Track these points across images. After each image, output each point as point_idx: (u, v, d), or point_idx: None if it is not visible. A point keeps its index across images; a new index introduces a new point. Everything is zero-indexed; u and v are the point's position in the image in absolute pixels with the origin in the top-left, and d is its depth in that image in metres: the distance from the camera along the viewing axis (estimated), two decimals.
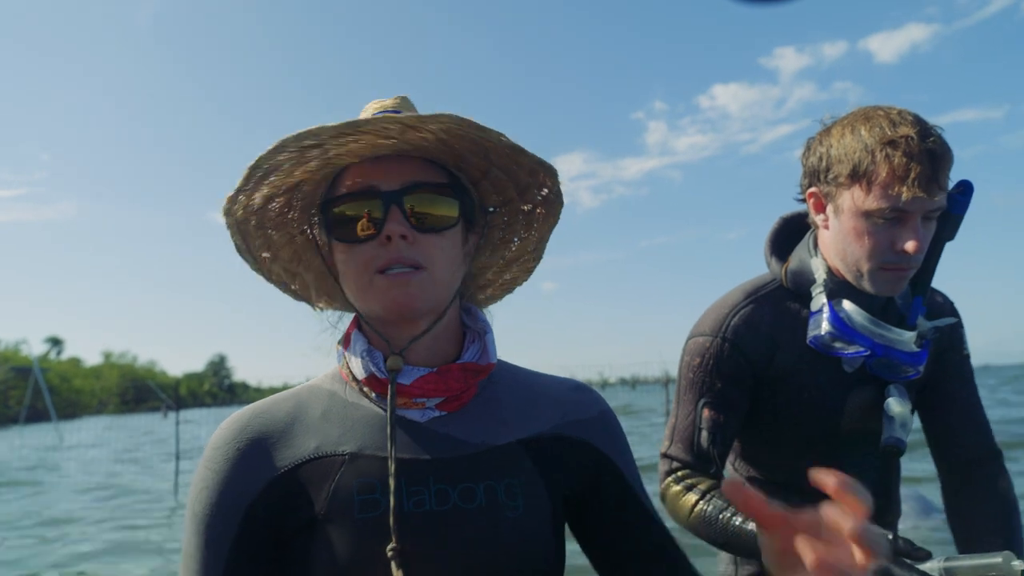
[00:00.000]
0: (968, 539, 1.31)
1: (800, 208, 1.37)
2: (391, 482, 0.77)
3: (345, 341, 0.90)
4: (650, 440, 13.00)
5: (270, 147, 0.78)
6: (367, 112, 0.92)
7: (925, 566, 1.02)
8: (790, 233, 1.41)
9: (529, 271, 1.01)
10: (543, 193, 0.90)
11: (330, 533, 0.77)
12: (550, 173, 0.87)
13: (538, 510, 0.83)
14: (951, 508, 1.40)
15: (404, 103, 0.93)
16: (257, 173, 0.82)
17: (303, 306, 0.99)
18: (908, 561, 1.03)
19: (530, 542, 0.81)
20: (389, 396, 0.81)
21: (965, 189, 1.25)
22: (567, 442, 0.90)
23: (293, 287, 0.98)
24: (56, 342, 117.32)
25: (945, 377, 1.40)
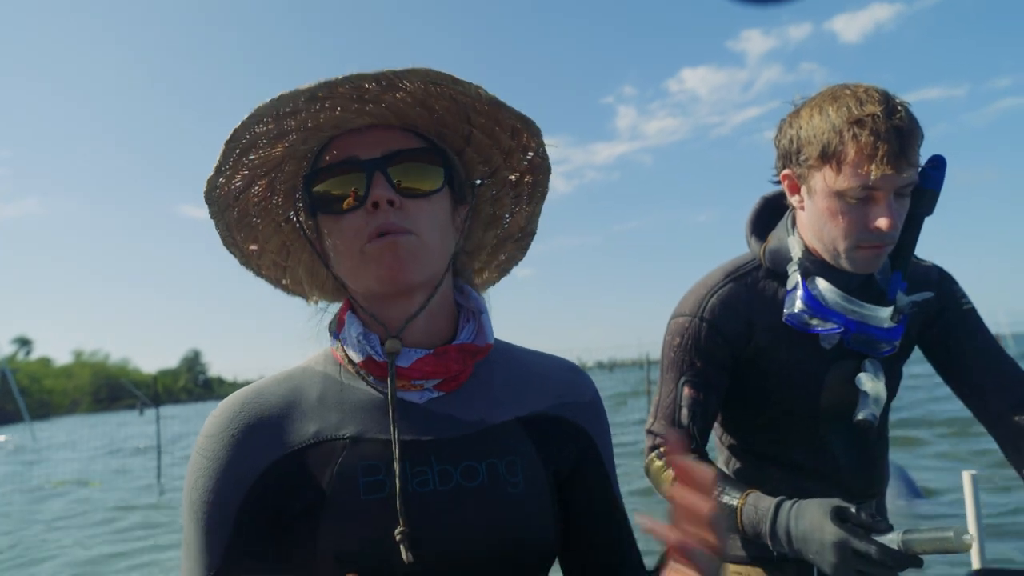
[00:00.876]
0: None
1: (778, 188, 1.38)
2: (396, 466, 0.78)
3: (338, 324, 0.89)
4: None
5: (245, 117, 0.76)
6: None
7: (884, 538, 1.06)
8: (771, 213, 1.42)
9: (524, 248, 1.00)
10: (528, 157, 0.89)
11: (336, 515, 0.77)
12: (533, 132, 0.85)
13: (537, 486, 0.84)
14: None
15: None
16: (235, 148, 0.79)
17: (277, 299, 0.97)
18: (868, 533, 1.07)
19: (531, 517, 0.82)
20: (389, 380, 0.81)
21: (938, 163, 1.25)
22: (562, 423, 0.91)
23: (284, 281, 0.96)
24: (24, 342, 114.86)
25: (951, 337, 1.38)
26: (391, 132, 0.83)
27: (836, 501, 1.12)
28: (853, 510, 1.10)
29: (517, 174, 0.92)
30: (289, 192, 0.89)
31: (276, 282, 0.96)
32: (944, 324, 1.39)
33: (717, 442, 1.52)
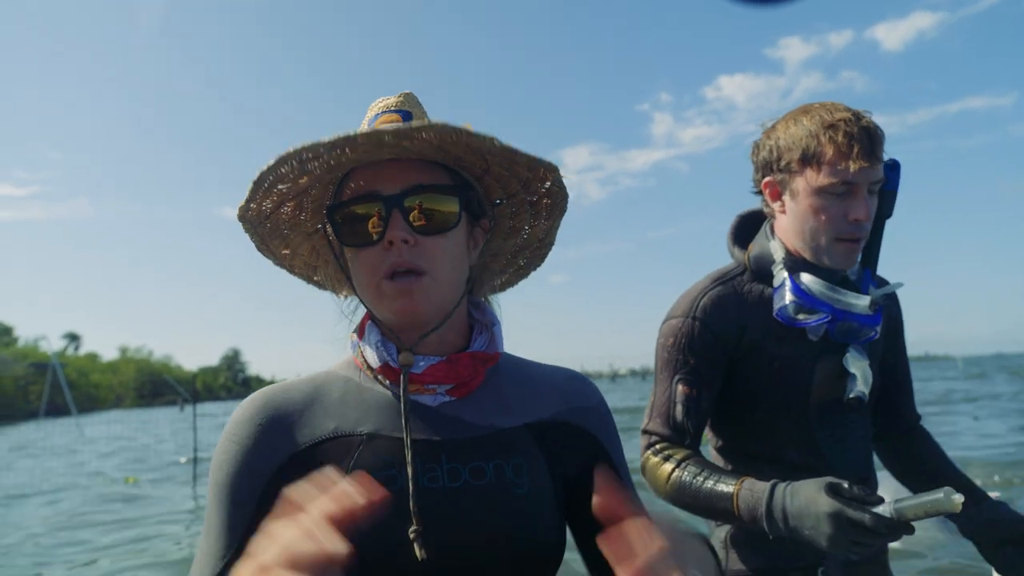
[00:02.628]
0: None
1: (754, 204, 1.52)
2: (409, 467, 0.81)
3: (360, 331, 0.94)
4: None
5: (270, 162, 0.81)
6: (372, 111, 0.95)
7: (877, 509, 1.10)
8: (748, 227, 1.53)
9: (542, 256, 1.04)
10: (546, 186, 0.92)
11: None
12: (550, 169, 0.88)
13: (542, 489, 0.87)
14: (903, 469, 1.54)
15: (408, 99, 0.95)
16: (262, 186, 0.85)
17: (315, 301, 1.02)
18: (861, 504, 1.11)
19: (536, 517, 0.85)
20: (402, 385, 0.86)
21: (894, 165, 1.37)
22: (569, 428, 0.94)
23: (316, 278, 1.02)
24: (74, 338, 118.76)
25: (889, 352, 1.53)
26: (411, 165, 0.86)
27: (829, 478, 1.16)
28: (846, 485, 1.14)
29: (535, 197, 0.95)
30: (317, 209, 0.94)
31: (309, 279, 1.02)
32: (887, 340, 1.52)
33: (710, 444, 1.55)
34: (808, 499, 1.15)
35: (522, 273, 1.06)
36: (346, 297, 1.02)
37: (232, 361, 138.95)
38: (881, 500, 1.11)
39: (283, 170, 0.83)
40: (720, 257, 1.58)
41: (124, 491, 11.20)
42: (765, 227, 1.46)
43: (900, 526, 1.08)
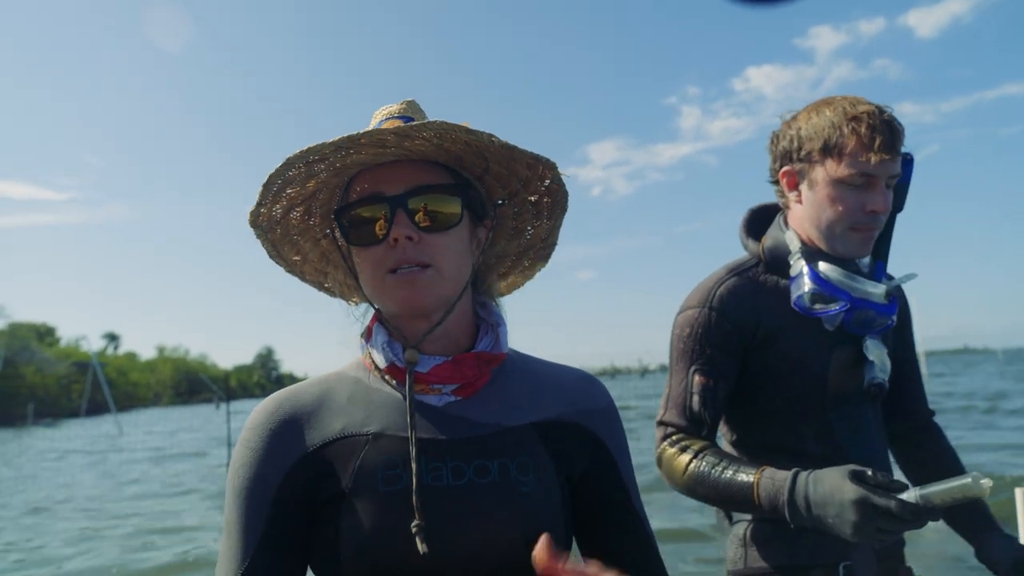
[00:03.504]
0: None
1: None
2: (413, 465, 0.83)
3: (367, 333, 0.96)
4: None
5: (278, 165, 0.84)
6: (376, 119, 0.97)
7: (902, 496, 1.08)
8: (760, 220, 1.54)
9: (546, 256, 1.05)
10: (545, 184, 0.94)
11: (356, 505, 0.82)
12: (549, 166, 0.90)
13: (548, 487, 0.87)
14: (913, 464, 1.55)
15: (410, 107, 0.98)
16: (272, 189, 0.88)
17: (340, 301, 1.06)
18: (886, 491, 1.10)
19: (541, 516, 0.85)
20: (408, 384, 0.88)
21: (908, 160, 1.37)
22: (575, 429, 0.94)
23: (326, 285, 1.05)
24: (113, 338, 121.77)
25: (898, 346, 1.53)
26: (413, 166, 0.89)
27: (853, 466, 1.15)
28: (870, 472, 1.13)
29: (536, 196, 0.97)
30: (325, 214, 0.97)
31: (319, 286, 1.05)
32: (897, 337, 1.53)
33: (722, 440, 1.53)
34: (832, 486, 1.13)
35: (527, 274, 1.08)
36: (356, 304, 1.04)
37: (266, 359, 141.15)
38: (906, 487, 1.09)
39: (291, 173, 0.86)
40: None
41: None
42: (779, 219, 1.47)
43: (926, 512, 1.05)
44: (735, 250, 1.54)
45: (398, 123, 0.91)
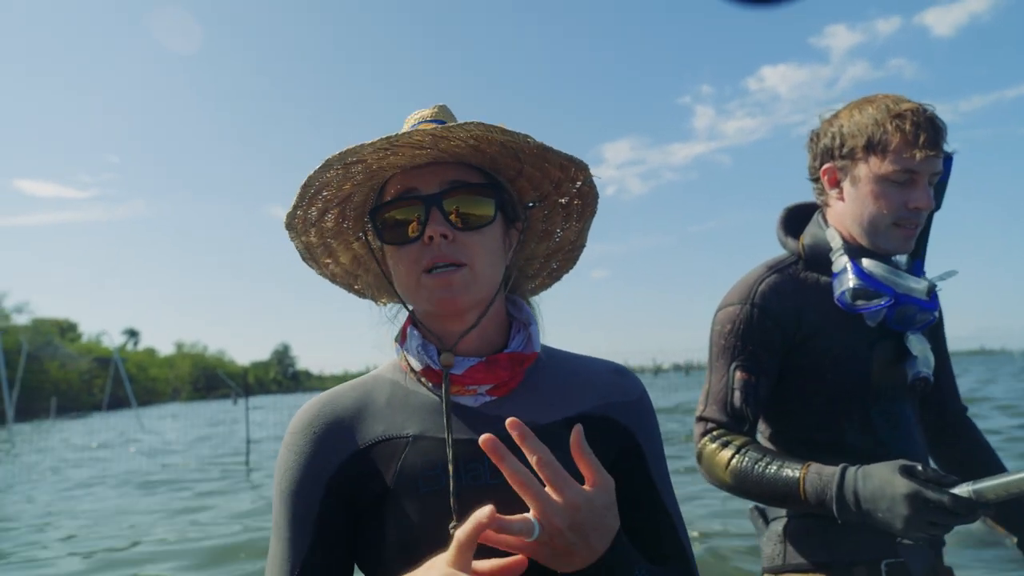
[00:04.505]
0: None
1: (798, 195, 1.59)
2: (450, 467, 0.84)
3: (402, 337, 0.97)
4: None
5: (317, 167, 0.85)
6: (408, 123, 0.98)
7: (955, 490, 1.07)
8: (796, 219, 1.54)
9: (574, 259, 1.06)
10: (577, 186, 0.95)
11: (399, 505, 0.84)
12: (581, 168, 0.91)
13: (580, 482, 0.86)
14: (951, 459, 1.54)
15: (442, 111, 0.99)
16: (309, 191, 0.89)
17: (361, 300, 1.07)
18: (937, 486, 1.10)
19: None
20: (444, 387, 0.89)
21: (947, 158, 1.37)
22: (605, 422, 0.94)
23: (356, 287, 1.06)
24: (133, 333, 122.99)
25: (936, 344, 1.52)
26: (447, 167, 0.90)
27: (902, 461, 1.15)
28: (920, 467, 1.13)
29: (567, 198, 0.98)
30: (358, 217, 0.98)
31: (349, 287, 1.06)
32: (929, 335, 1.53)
33: (760, 436, 1.51)
34: (883, 481, 1.13)
35: (555, 275, 1.08)
36: (385, 304, 1.06)
37: (282, 356, 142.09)
38: (957, 481, 1.09)
39: (328, 175, 0.88)
40: (763, 249, 1.60)
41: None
42: (817, 217, 1.48)
43: (979, 507, 1.05)
44: (750, 249, 1.58)
45: (432, 127, 0.94)
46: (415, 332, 0.95)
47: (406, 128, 0.96)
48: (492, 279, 0.91)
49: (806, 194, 1.56)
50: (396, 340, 1.00)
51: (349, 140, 0.84)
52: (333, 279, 1.05)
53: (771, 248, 1.57)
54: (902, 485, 1.10)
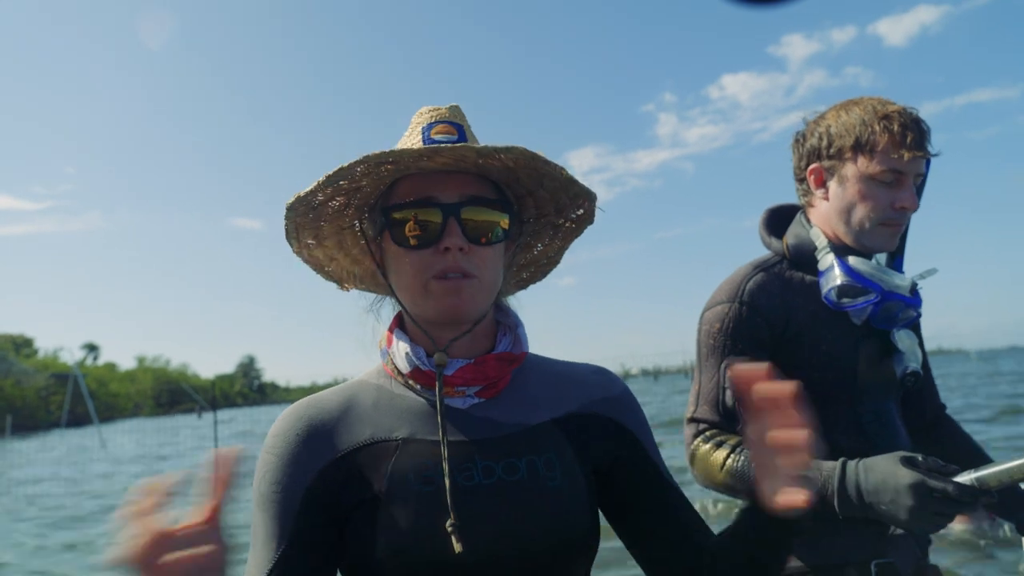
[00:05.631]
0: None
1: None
2: (445, 466, 0.84)
3: (387, 341, 0.97)
4: None
5: (352, 160, 0.84)
6: (422, 119, 0.96)
7: (958, 478, 1.07)
8: (777, 220, 1.56)
9: (544, 274, 1.08)
10: (578, 213, 0.98)
11: (392, 508, 0.83)
12: (590, 199, 0.94)
13: (574, 480, 0.89)
14: (935, 455, 1.42)
15: (457, 112, 0.97)
16: (335, 181, 0.87)
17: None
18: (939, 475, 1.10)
19: (570, 509, 0.87)
20: (438, 388, 0.89)
21: (927, 161, 1.39)
22: (594, 419, 0.96)
23: (327, 269, 1.03)
24: (92, 348, 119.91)
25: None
26: (466, 176, 0.90)
27: (902, 452, 1.15)
28: (920, 458, 1.12)
29: (562, 220, 1.00)
30: (360, 207, 0.97)
31: (319, 269, 1.03)
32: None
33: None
34: (885, 472, 1.13)
35: (521, 285, 1.10)
36: (348, 290, 1.06)
37: (247, 368, 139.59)
38: (958, 470, 1.10)
39: (359, 169, 0.87)
40: (731, 255, 1.65)
41: None
42: (799, 217, 1.49)
43: (982, 494, 1.06)
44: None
45: (449, 128, 0.94)
46: (402, 335, 0.95)
47: (417, 122, 0.96)
48: (493, 292, 0.93)
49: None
50: (381, 344, 0.99)
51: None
52: (308, 260, 1.02)
53: (739, 254, 1.58)
54: (906, 475, 1.10)
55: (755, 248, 1.56)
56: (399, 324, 0.97)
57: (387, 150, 0.83)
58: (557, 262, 1.07)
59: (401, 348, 0.93)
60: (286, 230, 0.95)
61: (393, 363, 0.95)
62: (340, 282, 1.05)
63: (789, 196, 1.59)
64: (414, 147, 0.84)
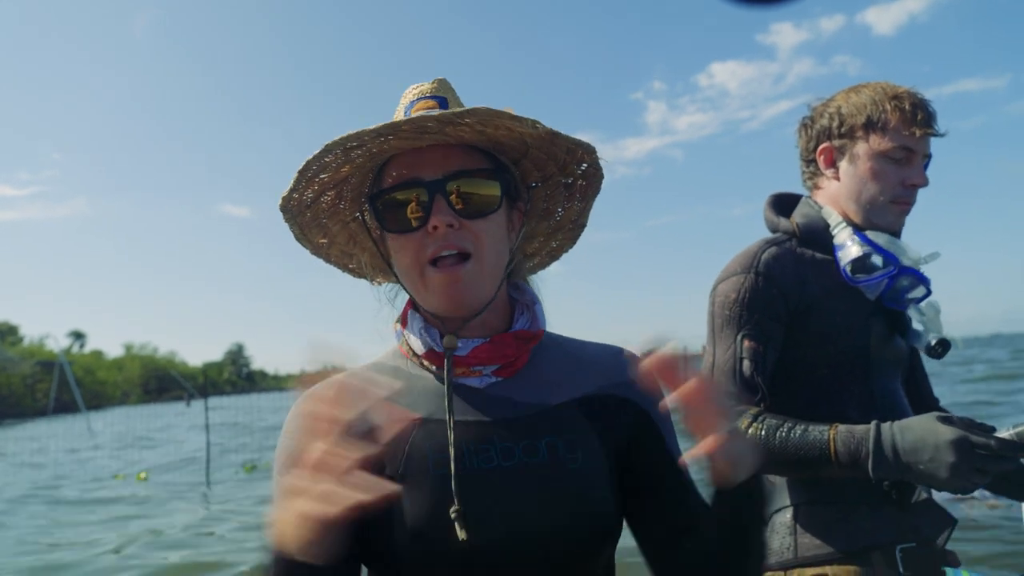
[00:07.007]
0: None
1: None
2: (451, 450, 0.83)
3: (403, 320, 0.96)
4: None
5: (316, 152, 0.82)
6: (407, 97, 0.95)
7: (997, 434, 1.08)
8: (781, 204, 1.57)
9: (575, 238, 1.05)
10: (582, 168, 0.94)
11: (409, 490, 0.82)
12: (588, 151, 0.90)
13: (596, 463, 0.87)
14: None
15: (442, 86, 0.95)
16: (306, 175, 0.85)
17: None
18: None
19: (592, 490, 0.85)
20: (446, 370, 0.88)
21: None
22: (615, 401, 0.93)
23: (351, 266, 1.03)
24: (79, 336, 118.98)
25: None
26: (451, 150, 0.87)
27: (936, 412, 1.16)
28: (955, 417, 1.13)
29: (571, 179, 0.97)
30: (355, 197, 0.95)
31: (344, 267, 1.04)
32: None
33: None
34: (925, 430, 1.13)
35: (554, 255, 1.08)
36: (380, 284, 1.04)
37: (236, 356, 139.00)
38: (993, 428, 1.10)
39: (327, 159, 0.84)
40: (721, 243, 1.75)
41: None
42: (807, 199, 1.52)
43: (1022, 449, 1.08)
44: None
45: (432, 104, 0.92)
46: (416, 315, 0.94)
47: (404, 102, 0.95)
48: (498, 270, 0.90)
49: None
50: (397, 323, 0.98)
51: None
52: (327, 259, 1.02)
53: (727, 243, 1.64)
54: (947, 431, 1.10)
55: (745, 236, 1.55)
56: (413, 305, 0.96)
57: (347, 134, 0.80)
58: (583, 224, 1.04)
59: (415, 328, 0.92)
60: (294, 235, 0.95)
61: (408, 344, 0.94)
62: (369, 278, 1.04)
63: (778, 184, 1.60)
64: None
